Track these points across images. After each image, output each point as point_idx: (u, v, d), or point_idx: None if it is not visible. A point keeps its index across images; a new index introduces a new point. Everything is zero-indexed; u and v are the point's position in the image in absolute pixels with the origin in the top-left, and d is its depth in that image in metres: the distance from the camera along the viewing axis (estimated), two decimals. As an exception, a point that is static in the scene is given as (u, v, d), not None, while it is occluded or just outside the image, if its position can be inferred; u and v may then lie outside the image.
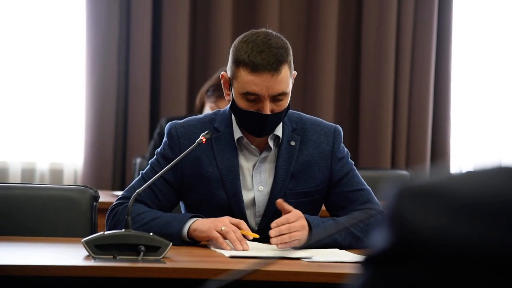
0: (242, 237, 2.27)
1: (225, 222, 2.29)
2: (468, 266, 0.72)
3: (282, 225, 2.27)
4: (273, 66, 2.31)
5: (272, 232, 2.26)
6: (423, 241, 0.74)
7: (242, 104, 2.37)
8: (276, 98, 2.35)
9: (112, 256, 2.05)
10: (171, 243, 2.10)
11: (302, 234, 2.29)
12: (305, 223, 2.32)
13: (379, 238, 0.77)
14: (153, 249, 2.08)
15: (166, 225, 2.34)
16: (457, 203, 0.74)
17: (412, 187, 0.77)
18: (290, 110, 2.52)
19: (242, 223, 2.31)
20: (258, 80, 2.32)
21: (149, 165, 2.49)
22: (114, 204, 2.43)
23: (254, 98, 2.35)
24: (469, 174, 0.78)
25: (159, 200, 2.44)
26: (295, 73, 2.42)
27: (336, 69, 5.32)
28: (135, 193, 2.22)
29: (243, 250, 2.23)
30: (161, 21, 5.11)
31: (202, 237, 2.32)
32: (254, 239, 2.31)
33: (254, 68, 2.31)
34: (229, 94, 2.43)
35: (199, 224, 2.32)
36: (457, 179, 0.77)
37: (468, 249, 0.72)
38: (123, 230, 2.10)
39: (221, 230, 2.27)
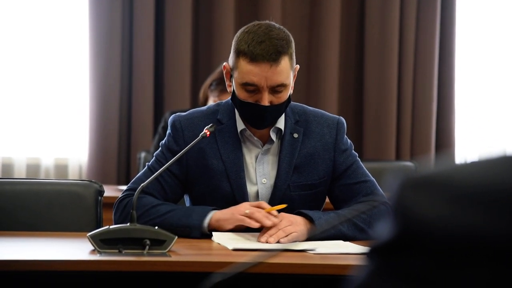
0: (268, 214, 2.29)
1: (246, 207, 2.32)
2: (472, 255, 0.72)
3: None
4: (272, 56, 2.31)
5: (262, 239, 2.27)
6: (426, 232, 0.74)
7: (241, 95, 2.37)
8: (275, 89, 2.34)
9: (117, 250, 2.06)
10: (176, 237, 2.10)
11: (295, 228, 2.30)
12: (293, 218, 2.32)
13: (383, 229, 0.77)
14: (158, 243, 2.08)
15: (185, 216, 2.34)
16: (460, 192, 0.74)
17: (415, 177, 0.77)
18: (293, 102, 2.51)
19: (263, 203, 2.33)
20: (256, 70, 2.32)
21: (154, 157, 2.49)
22: (122, 196, 2.43)
23: (253, 88, 2.35)
24: (472, 163, 0.78)
25: (166, 193, 2.45)
26: (297, 66, 2.42)
27: (339, 62, 5.32)
28: (140, 186, 2.22)
29: (273, 224, 2.26)
30: (163, 15, 5.11)
31: (227, 225, 2.32)
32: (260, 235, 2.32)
33: (253, 58, 2.31)
34: (230, 85, 2.43)
35: (221, 215, 2.33)
36: (460, 169, 0.77)
37: (472, 239, 0.73)
38: (128, 224, 2.11)
39: (246, 213, 2.28)
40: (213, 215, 2.34)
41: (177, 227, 2.32)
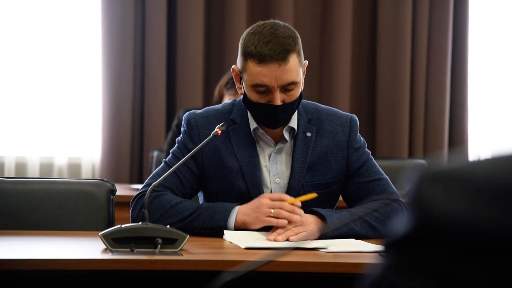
0: (293, 207, 2.29)
1: (267, 203, 2.31)
2: (490, 249, 0.73)
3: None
4: (280, 55, 2.30)
5: (270, 237, 2.27)
6: (444, 225, 0.74)
7: (252, 96, 2.37)
8: (286, 88, 2.34)
9: (129, 249, 2.06)
10: (188, 236, 2.10)
11: (305, 227, 2.29)
12: (304, 217, 2.32)
13: (400, 224, 0.78)
14: (170, 242, 2.08)
15: (209, 218, 2.34)
16: (477, 187, 0.75)
17: (433, 172, 0.78)
18: (306, 101, 2.51)
19: (284, 195, 2.33)
20: (266, 71, 2.31)
21: (171, 154, 2.50)
22: (140, 192, 2.42)
23: (264, 89, 2.34)
24: (488, 159, 0.78)
25: (184, 187, 2.45)
26: (306, 62, 2.41)
27: (352, 58, 5.30)
28: (152, 185, 2.22)
29: (300, 214, 2.27)
30: (176, 14, 5.11)
31: (253, 228, 2.33)
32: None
33: (262, 59, 2.31)
34: (240, 88, 2.43)
35: (246, 217, 2.32)
36: (477, 164, 0.78)
37: (489, 232, 0.73)
38: (140, 223, 2.11)
39: (271, 214, 2.29)
40: (238, 218, 2.33)
41: (202, 230, 2.33)
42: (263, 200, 2.33)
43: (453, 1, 5.34)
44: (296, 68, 2.34)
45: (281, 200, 2.31)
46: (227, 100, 4.01)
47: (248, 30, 2.37)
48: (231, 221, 2.34)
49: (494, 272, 0.72)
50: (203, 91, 5.12)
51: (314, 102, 2.57)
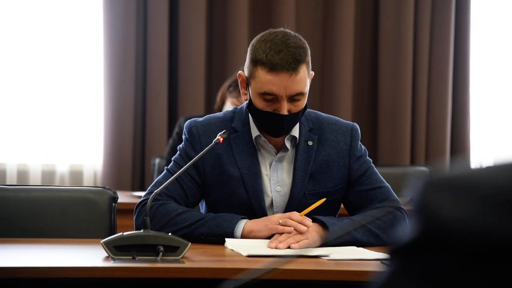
0: (301, 218, 2.30)
1: (277, 216, 2.34)
2: (495, 256, 0.73)
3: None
4: (291, 65, 2.29)
5: (272, 244, 2.27)
6: (449, 232, 0.74)
7: (259, 104, 2.36)
8: (293, 98, 2.34)
9: (131, 257, 2.06)
10: (189, 243, 2.10)
11: (306, 235, 2.29)
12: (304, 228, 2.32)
13: (405, 231, 0.78)
14: (172, 249, 2.08)
15: (216, 226, 2.35)
16: (482, 194, 0.75)
17: (438, 179, 0.78)
18: (307, 109, 2.51)
19: (294, 214, 2.33)
20: (276, 79, 2.31)
21: (173, 161, 2.49)
22: (144, 199, 2.42)
23: (271, 98, 2.34)
24: (492, 166, 0.78)
25: (187, 197, 2.45)
26: (312, 73, 2.41)
27: (353, 65, 5.31)
28: (153, 193, 2.22)
29: (305, 230, 2.27)
30: (177, 21, 5.12)
31: (260, 236, 2.34)
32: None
33: (272, 68, 2.30)
34: (246, 94, 2.42)
35: (254, 225, 2.34)
36: (482, 171, 0.78)
37: (494, 239, 0.73)
38: (142, 230, 2.11)
39: (279, 223, 2.30)
40: (246, 226, 2.34)
41: (208, 237, 2.33)
42: (274, 215, 2.37)
43: (454, 9, 5.34)
44: (305, 79, 2.34)
45: (290, 217, 2.32)
46: (229, 103, 4.02)
47: (258, 37, 2.36)
48: (239, 229, 2.34)
49: (497, 277, 0.73)
50: (205, 98, 5.12)
51: (314, 111, 2.56)
